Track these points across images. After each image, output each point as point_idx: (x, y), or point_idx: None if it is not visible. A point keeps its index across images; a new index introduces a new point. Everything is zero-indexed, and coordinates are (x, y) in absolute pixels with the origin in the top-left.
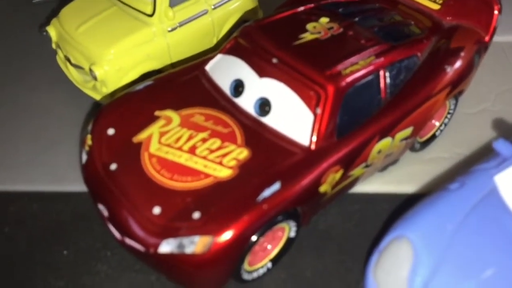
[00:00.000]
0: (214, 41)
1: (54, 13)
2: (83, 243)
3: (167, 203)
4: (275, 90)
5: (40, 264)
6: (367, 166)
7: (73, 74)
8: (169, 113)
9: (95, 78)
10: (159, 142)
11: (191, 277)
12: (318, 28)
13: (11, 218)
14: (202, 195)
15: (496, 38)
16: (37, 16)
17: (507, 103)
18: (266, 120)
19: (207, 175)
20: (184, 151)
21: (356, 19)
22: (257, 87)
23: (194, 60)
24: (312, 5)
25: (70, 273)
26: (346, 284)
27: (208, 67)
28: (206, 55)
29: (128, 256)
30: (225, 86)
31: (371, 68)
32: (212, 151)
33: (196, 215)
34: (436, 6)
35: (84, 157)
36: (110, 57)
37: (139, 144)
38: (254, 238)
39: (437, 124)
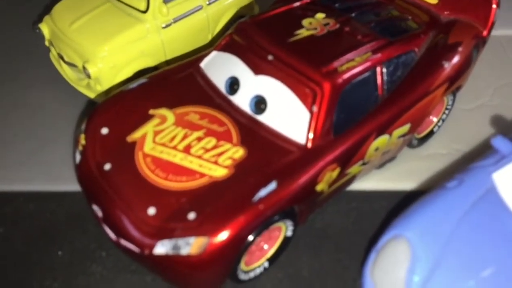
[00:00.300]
0: (209, 37)
1: (47, 10)
2: (78, 243)
3: (161, 203)
4: (270, 87)
5: (35, 265)
6: (364, 163)
7: (66, 72)
8: (163, 111)
9: (88, 76)
10: (154, 141)
11: (186, 279)
12: (314, 24)
13: (6, 219)
14: (197, 195)
15: (494, 32)
16: (30, 13)
17: (506, 97)
18: (262, 118)
19: (202, 175)
20: (179, 150)
21: (353, 14)
22: (252, 85)
23: (189, 57)
24: (308, 0)
25: (65, 274)
26: (343, 282)
27: (203, 64)
28: (201, 51)
29: (123, 257)
30: (220, 83)
31: (368, 64)
32: (207, 150)
33: (191, 215)
34: (433, 1)
35: (78, 157)
36: (104, 54)
37: (133, 144)
38: (250, 238)
39: (435, 120)
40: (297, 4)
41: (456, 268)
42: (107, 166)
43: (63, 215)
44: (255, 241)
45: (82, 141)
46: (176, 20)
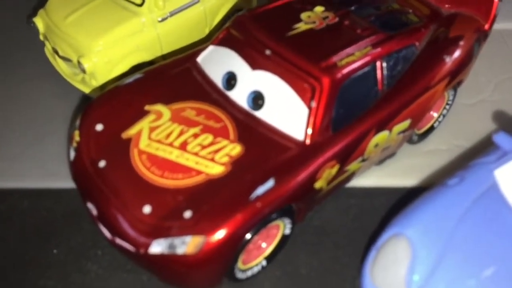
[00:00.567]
0: (207, 31)
1: (42, 3)
2: (74, 241)
3: (157, 201)
4: (268, 83)
5: (29, 263)
6: (363, 160)
7: (61, 67)
8: (159, 107)
9: (83, 71)
10: (149, 138)
11: (183, 278)
12: (313, 18)
13: (0, 216)
14: (194, 193)
15: (495, 26)
16: (25, 7)
17: (508, 92)
18: (260, 114)
19: (198, 172)
20: (175, 147)
21: (352, 8)
22: (250, 80)
23: (185, 51)
24: None
25: (60, 272)
26: (342, 280)
27: (199, 59)
28: (198, 46)
29: (119, 255)
30: (217, 78)
31: (367, 59)
32: (204, 147)
33: (188, 214)
34: None
35: (72, 154)
36: (99, 48)
37: (129, 140)
38: (248, 236)
39: (436, 115)
40: None
41: (457, 266)
42: (102, 163)
43: (58, 212)
44: (253, 239)
45: (76, 137)
46: (172, 14)
